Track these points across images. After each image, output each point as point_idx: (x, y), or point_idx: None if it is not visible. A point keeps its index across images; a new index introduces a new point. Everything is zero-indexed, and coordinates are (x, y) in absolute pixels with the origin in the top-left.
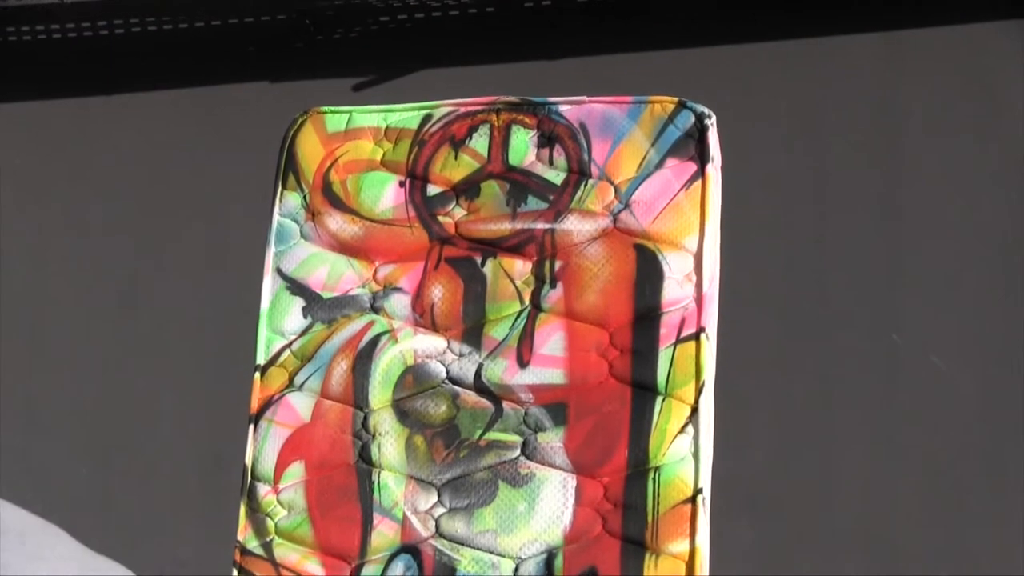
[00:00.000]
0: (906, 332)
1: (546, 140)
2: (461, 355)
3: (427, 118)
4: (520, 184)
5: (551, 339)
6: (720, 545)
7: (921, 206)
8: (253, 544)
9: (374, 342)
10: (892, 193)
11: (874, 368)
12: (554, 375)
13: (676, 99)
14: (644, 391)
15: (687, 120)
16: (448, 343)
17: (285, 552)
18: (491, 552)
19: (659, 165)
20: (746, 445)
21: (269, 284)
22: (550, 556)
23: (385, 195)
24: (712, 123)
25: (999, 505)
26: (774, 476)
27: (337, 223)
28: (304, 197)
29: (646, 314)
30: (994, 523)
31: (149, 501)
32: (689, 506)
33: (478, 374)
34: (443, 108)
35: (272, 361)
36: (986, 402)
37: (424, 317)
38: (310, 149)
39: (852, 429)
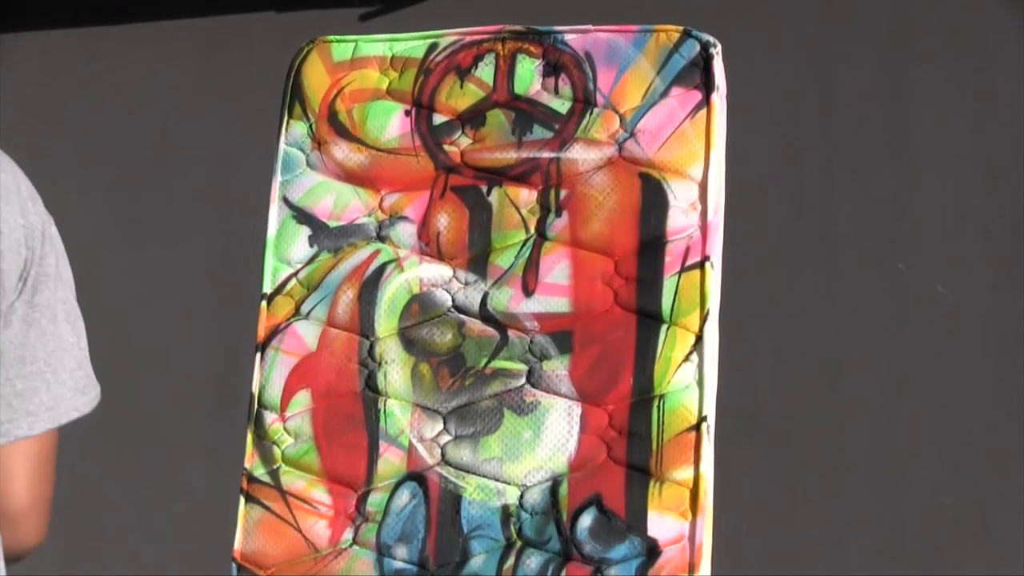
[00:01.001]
0: (911, 261)
1: (551, 69)
2: (467, 283)
3: (433, 47)
4: (525, 113)
5: (556, 268)
6: (725, 473)
7: (928, 136)
8: (260, 472)
9: (380, 271)
10: (898, 122)
11: (880, 297)
12: (559, 303)
13: (681, 28)
14: (649, 319)
15: (692, 49)
16: (454, 272)
17: (292, 479)
18: (496, 479)
19: (664, 94)
20: (751, 374)
21: (275, 213)
22: (555, 483)
23: (391, 124)
24: (717, 52)
25: (1004, 432)
26: (779, 405)
27: (343, 152)
28: (310, 126)
29: (651, 243)
30: (999, 451)
31: (156, 430)
32: (693, 434)
33: (484, 302)
34: (449, 37)
35: (278, 290)
36: (991, 331)
37: (430, 246)
38: (316, 78)
39: (857, 358)
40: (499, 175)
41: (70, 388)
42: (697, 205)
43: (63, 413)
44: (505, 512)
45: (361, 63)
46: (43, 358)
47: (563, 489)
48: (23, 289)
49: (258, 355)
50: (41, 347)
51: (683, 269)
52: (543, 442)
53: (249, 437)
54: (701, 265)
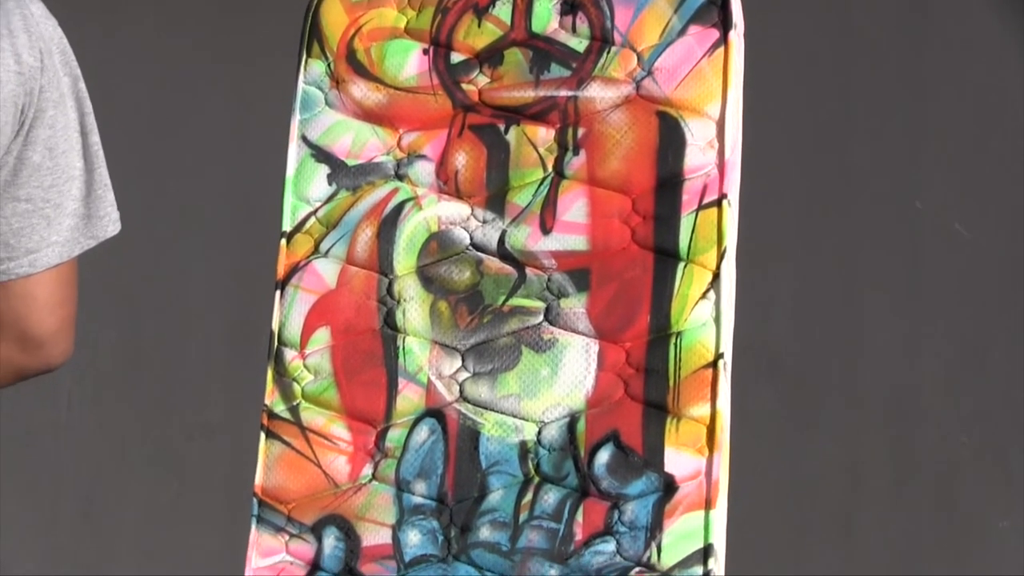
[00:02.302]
0: (929, 199)
1: (569, 7)
2: (485, 222)
3: None
4: (543, 51)
5: (574, 206)
6: (743, 410)
7: (945, 73)
8: (280, 408)
9: (398, 209)
10: (916, 61)
11: (897, 235)
12: (577, 241)
13: None
14: (666, 257)
15: None
16: (472, 210)
17: (311, 416)
18: (514, 416)
19: (682, 32)
20: (768, 312)
21: (294, 151)
22: (572, 420)
23: (409, 63)
24: None
25: (1021, 370)
26: (796, 343)
27: (361, 91)
28: (328, 65)
29: (668, 181)
30: (1016, 389)
31: (177, 367)
32: (710, 371)
33: (501, 240)
34: None
35: (298, 228)
36: (1008, 269)
37: (448, 184)
38: (334, 17)
39: (875, 296)
40: (517, 114)
41: (80, 217)
42: (714, 143)
43: (74, 245)
44: (523, 448)
45: (379, 2)
46: (40, 194)
47: (580, 425)
48: (19, 131)
49: (278, 293)
50: (36, 183)
51: (700, 207)
52: (560, 379)
53: (269, 374)
54: (718, 203)
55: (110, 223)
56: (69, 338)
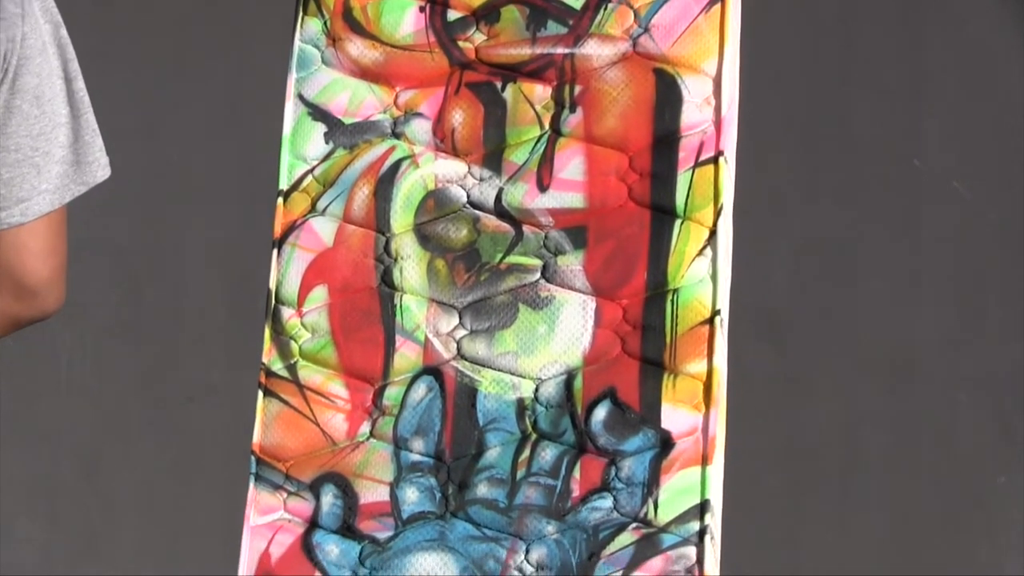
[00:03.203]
0: (927, 157)
1: None
2: (482, 179)
3: None
4: (540, 9)
5: (571, 163)
6: (741, 369)
7: (945, 32)
8: (278, 366)
9: (395, 167)
10: (916, 18)
11: (895, 193)
12: (574, 199)
13: None
14: (663, 214)
15: None
16: (469, 167)
17: (309, 374)
18: (511, 373)
19: None
20: (766, 270)
21: (291, 110)
22: (569, 377)
23: (405, 20)
24: None
25: (1021, 328)
26: (794, 301)
27: (358, 49)
28: (325, 23)
29: (665, 138)
30: (1016, 347)
31: (176, 328)
32: (707, 327)
33: (498, 198)
34: None
35: (295, 186)
36: (1007, 226)
37: (445, 142)
38: None
39: (873, 254)
40: (513, 71)
41: (69, 164)
42: (711, 100)
43: (64, 192)
44: (520, 405)
45: None
46: (28, 143)
47: (578, 382)
48: (3, 79)
49: (275, 251)
50: (24, 131)
51: (697, 164)
52: (558, 336)
53: (267, 332)
54: (715, 160)
55: (99, 168)
56: (62, 286)
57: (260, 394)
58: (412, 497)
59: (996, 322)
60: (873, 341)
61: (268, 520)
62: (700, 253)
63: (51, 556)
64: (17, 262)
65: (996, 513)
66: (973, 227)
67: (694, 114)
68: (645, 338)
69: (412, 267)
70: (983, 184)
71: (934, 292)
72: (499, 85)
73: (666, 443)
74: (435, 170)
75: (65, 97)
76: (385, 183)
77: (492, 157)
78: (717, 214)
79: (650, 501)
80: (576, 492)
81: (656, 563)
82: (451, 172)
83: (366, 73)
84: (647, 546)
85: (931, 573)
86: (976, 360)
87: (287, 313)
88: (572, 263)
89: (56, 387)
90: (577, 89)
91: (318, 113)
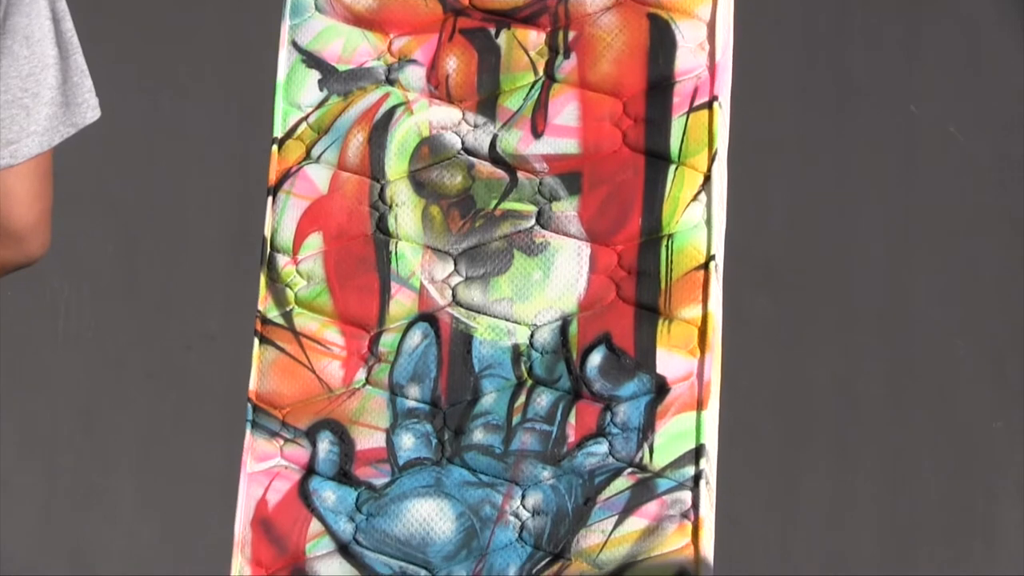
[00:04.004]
0: (923, 103)
1: None
2: (476, 126)
3: None
4: None
5: (565, 109)
6: (736, 317)
7: None
8: (274, 314)
9: (390, 114)
10: None
11: (891, 139)
12: (568, 145)
13: None
14: (657, 160)
15: None
16: (463, 114)
17: (305, 321)
18: (507, 319)
19: None
20: (761, 217)
21: (285, 57)
22: (564, 323)
23: None
24: None
25: (1016, 273)
26: (791, 248)
27: None
28: None
29: (659, 83)
30: (1011, 293)
31: (173, 277)
32: (702, 272)
33: (493, 144)
34: None
35: (289, 134)
36: (1002, 171)
37: (439, 89)
38: None
39: (869, 199)
40: (507, 17)
41: (58, 105)
42: (705, 45)
43: (53, 134)
44: (516, 351)
45: None
46: (18, 84)
47: (573, 328)
48: None
49: (270, 199)
50: (14, 72)
51: (691, 109)
52: (553, 282)
53: (262, 280)
54: (709, 105)
55: (88, 110)
56: (47, 231)
57: (256, 342)
58: (408, 443)
59: (992, 269)
60: (869, 287)
61: (265, 467)
62: (695, 198)
63: (50, 507)
64: (4, 207)
65: (992, 459)
66: (969, 172)
67: (688, 59)
68: (640, 283)
69: (407, 214)
70: (979, 129)
71: (930, 239)
72: (493, 31)
73: (661, 388)
74: (429, 117)
75: (53, 38)
76: (379, 130)
77: (486, 104)
78: (711, 159)
79: (645, 446)
80: (571, 438)
81: (651, 508)
82: (445, 119)
83: (360, 20)
84: (642, 491)
85: (927, 518)
86: (972, 307)
87: (282, 261)
88: (567, 209)
89: (54, 339)
90: (571, 35)
91: (312, 60)
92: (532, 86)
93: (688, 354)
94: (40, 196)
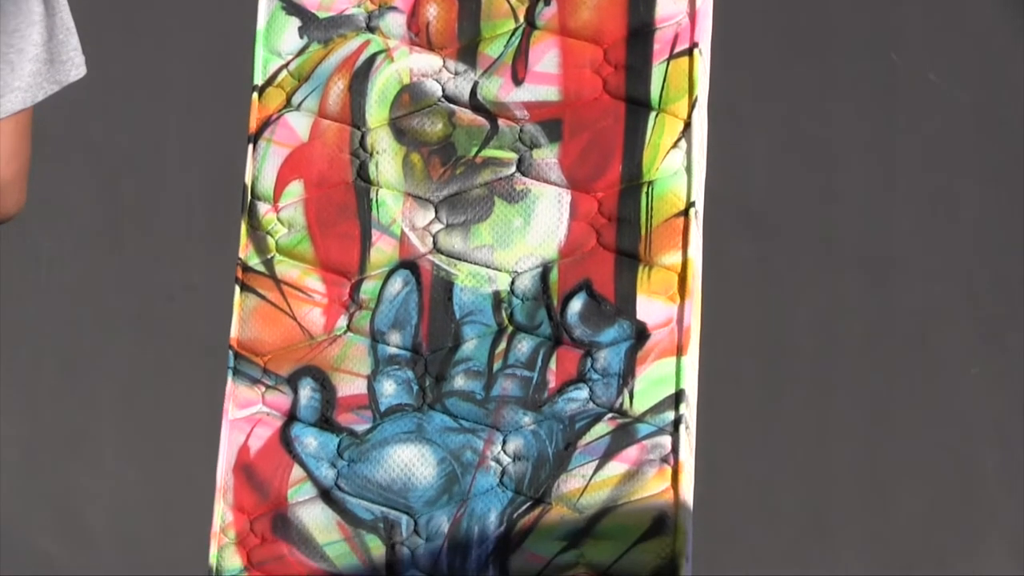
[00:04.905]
0: (904, 50)
1: None
2: (457, 73)
3: None
4: None
5: (546, 56)
6: (718, 261)
7: None
8: (254, 262)
9: (370, 61)
10: None
11: (872, 86)
12: (549, 92)
13: None
14: (638, 106)
15: None
16: (444, 61)
17: (286, 269)
18: (487, 266)
19: None
20: (741, 163)
21: (265, 5)
22: (545, 270)
23: None
24: None
25: (995, 218)
26: (771, 194)
27: None
28: None
29: (640, 30)
30: (989, 237)
31: (152, 226)
32: (682, 219)
33: (474, 92)
34: None
35: (269, 81)
36: (982, 116)
37: (419, 36)
38: None
39: (851, 145)
40: None
41: (42, 62)
42: None
43: (37, 90)
44: (496, 298)
45: None
46: (3, 40)
47: (553, 275)
48: None
49: (250, 147)
50: (0, 28)
51: (672, 56)
52: (533, 229)
53: (243, 227)
54: (690, 52)
55: (73, 67)
56: (23, 188)
57: (237, 289)
58: (389, 390)
59: (970, 211)
60: (849, 235)
61: (246, 414)
62: (675, 145)
63: (32, 455)
64: None
65: (968, 403)
66: (948, 118)
67: (669, 6)
68: (620, 230)
69: (387, 161)
70: (959, 77)
71: (910, 185)
72: None
73: (641, 334)
74: (410, 64)
75: None
76: (360, 77)
77: (467, 51)
78: (692, 106)
79: (625, 392)
80: (552, 383)
81: (631, 453)
82: (426, 66)
83: None
84: (622, 436)
85: (906, 462)
86: (951, 253)
87: (263, 208)
88: (547, 156)
89: (36, 290)
90: None
91: (292, 7)
92: (512, 33)
93: (668, 300)
94: (17, 153)
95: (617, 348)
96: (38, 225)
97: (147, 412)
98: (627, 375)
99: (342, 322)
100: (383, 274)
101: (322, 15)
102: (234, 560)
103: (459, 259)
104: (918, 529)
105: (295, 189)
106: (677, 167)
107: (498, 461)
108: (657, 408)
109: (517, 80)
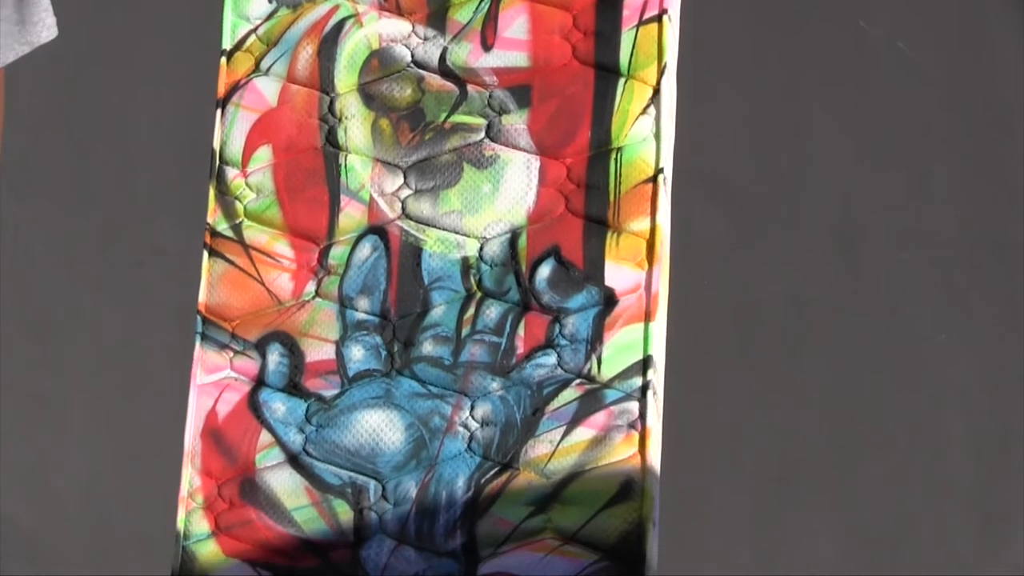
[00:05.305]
0: (873, 18)
1: None
2: (426, 39)
3: None
4: None
5: (515, 22)
6: (687, 228)
7: None
8: (223, 226)
9: (339, 26)
10: None
11: (841, 54)
12: (518, 58)
13: None
14: (607, 73)
15: None
16: (413, 27)
17: (254, 234)
18: (456, 232)
19: None
20: (711, 131)
21: None
22: (514, 235)
23: None
24: None
25: (966, 185)
26: (741, 162)
27: None
28: None
29: None
30: (960, 204)
31: (121, 191)
32: (650, 185)
33: (443, 57)
34: None
35: (238, 46)
36: (953, 85)
37: (389, 1)
38: None
39: (819, 112)
40: None
41: (13, 23)
42: None
43: (7, 51)
44: (465, 264)
45: None
46: None
47: (522, 241)
48: None
49: (219, 111)
50: None
51: (641, 22)
52: (502, 195)
53: (211, 192)
54: (659, 18)
55: (44, 29)
56: None
57: (205, 254)
58: (358, 355)
59: (940, 181)
60: (819, 203)
61: (215, 379)
62: (644, 112)
63: (1, 421)
64: None
65: (936, 369)
66: (917, 87)
67: None
68: (589, 196)
69: (356, 127)
70: (928, 44)
71: (878, 152)
72: None
73: (609, 300)
74: (379, 29)
75: None
76: (329, 43)
77: (436, 16)
78: (661, 72)
79: (593, 357)
80: (520, 349)
81: (599, 418)
82: (395, 31)
83: None
84: (590, 401)
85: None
86: (919, 219)
87: (231, 173)
88: (516, 122)
89: (3, 255)
90: None
91: None
92: None
93: (636, 266)
94: None
95: (585, 314)
96: (6, 189)
97: (115, 377)
98: (595, 341)
99: (310, 287)
100: (352, 239)
101: None
102: (202, 524)
103: (428, 225)
104: (885, 494)
105: (263, 154)
106: (646, 133)
107: (466, 426)
108: (625, 374)
109: (486, 46)
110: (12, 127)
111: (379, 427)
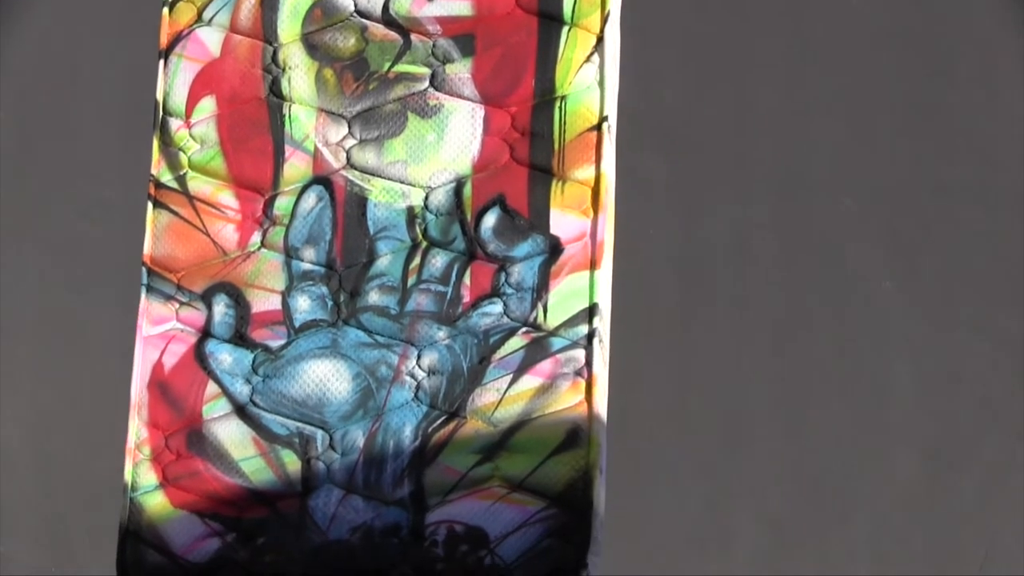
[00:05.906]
0: None
1: None
2: None
3: None
4: None
5: None
6: (632, 176)
7: None
8: (167, 178)
9: None
10: None
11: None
12: (461, 7)
13: None
14: (550, 21)
15: None
16: None
17: (199, 185)
18: (401, 182)
19: None
20: (655, 78)
21: None
22: (459, 185)
23: None
24: None
25: (904, 127)
26: (685, 109)
27: None
28: None
29: None
30: (900, 149)
31: (64, 144)
32: (595, 134)
33: (386, 7)
34: None
35: None
36: (897, 33)
37: None
38: None
39: (763, 59)
40: None
41: None
42: None
43: None
44: (410, 213)
45: None
46: None
47: (467, 190)
48: None
49: (161, 62)
50: None
51: None
52: (447, 144)
53: (155, 144)
54: None
55: None
56: None
57: (149, 205)
58: (304, 305)
59: (885, 129)
60: (763, 149)
61: (160, 330)
62: (588, 60)
63: None
64: None
65: (880, 316)
66: (863, 36)
67: None
68: (533, 145)
69: (300, 77)
70: None
71: (822, 98)
72: None
73: (555, 248)
74: None
75: None
76: None
77: None
78: (604, 20)
79: (539, 306)
80: (466, 298)
81: (545, 366)
82: None
83: None
84: (536, 349)
85: (817, 370)
86: (863, 166)
87: (175, 124)
88: (460, 71)
89: None
90: None
91: None
92: None
93: (581, 214)
94: None
95: (531, 262)
96: None
97: (61, 329)
98: (541, 289)
99: (256, 238)
100: (296, 190)
101: None
102: (149, 476)
103: (373, 174)
104: (831, 439)
105: (207, 105)
106: (590, 82)
107: (413, 376)
108: (571, 322)
109: None
110: None
111: (326, 377)
